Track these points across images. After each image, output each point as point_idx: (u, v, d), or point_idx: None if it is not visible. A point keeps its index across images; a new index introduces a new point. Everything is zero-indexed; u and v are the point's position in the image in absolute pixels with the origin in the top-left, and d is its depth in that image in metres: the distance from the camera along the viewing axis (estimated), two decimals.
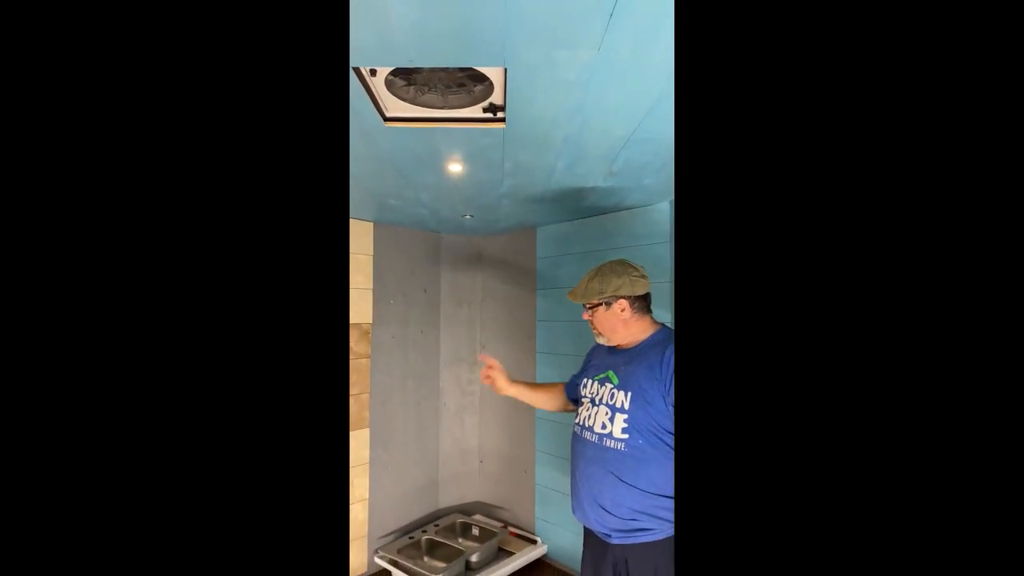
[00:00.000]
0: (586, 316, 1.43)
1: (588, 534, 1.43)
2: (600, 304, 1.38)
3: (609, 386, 1.35)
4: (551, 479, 2.47)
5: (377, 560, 2.27)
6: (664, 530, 1.24)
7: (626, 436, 1.27)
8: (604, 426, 1.32)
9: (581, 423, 1.41)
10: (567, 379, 1.68)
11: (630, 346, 1.38)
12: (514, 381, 1.62)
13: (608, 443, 1.31)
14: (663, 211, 2.02)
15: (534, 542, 2.45)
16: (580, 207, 2.11)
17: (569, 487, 2.34)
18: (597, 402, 1.37)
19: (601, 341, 1.45)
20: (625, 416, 1.28)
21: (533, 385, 1.69)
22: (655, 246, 2.01)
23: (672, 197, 1.94)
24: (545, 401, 1.66)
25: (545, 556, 2.45)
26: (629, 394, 1.29)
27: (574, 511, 1.42)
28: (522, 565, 2.33)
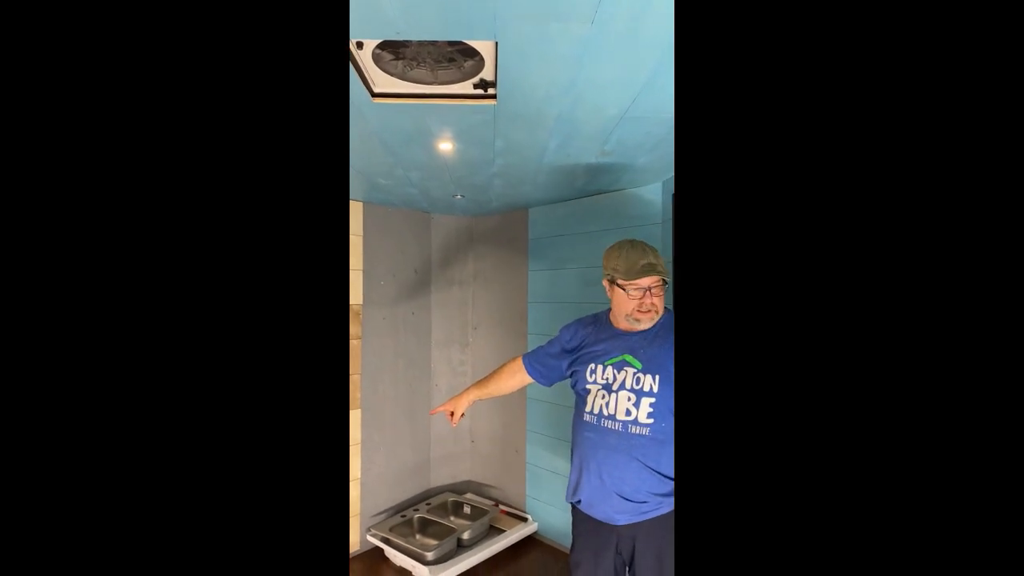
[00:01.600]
0: (657, 294, 1.30)
1: (584, 519, 1.39)
2: (665, 281, 1.32)
3: (631, 370, 1.29)
4: (542, 458, 2.50)
5: (369, 538, 2.29)
6: (668, 504, 1.27)
7: (651, 421, 1.25)
8: (629, 412, 1.28)
9: (596, 412, 1.33)
10: (524, 359, 1.56)
11: (640, 329, 1.33)
12: (463, 392, 1.58)
13: (634, 429, 1.27)
14: (655, 192, 2.01)
15: (525, 520, 2.49)
16: (572, 187, 2.09)
17: (559, 467, 2.38)
18: (615, 388, 1.30)
19: (642, 324, 1.32)
20: (652, 400, 1.26)
21: (482, 380, 1.61)
22: (647, 227, 2.00)
23: (665, 178, 1.93)
24: (503, 385, 1.58)
25: (535, 533, 2.49)
26: (657, 377, 1.26)
27: (579, 504, 1.37)
28: (513, 542, 2.36)
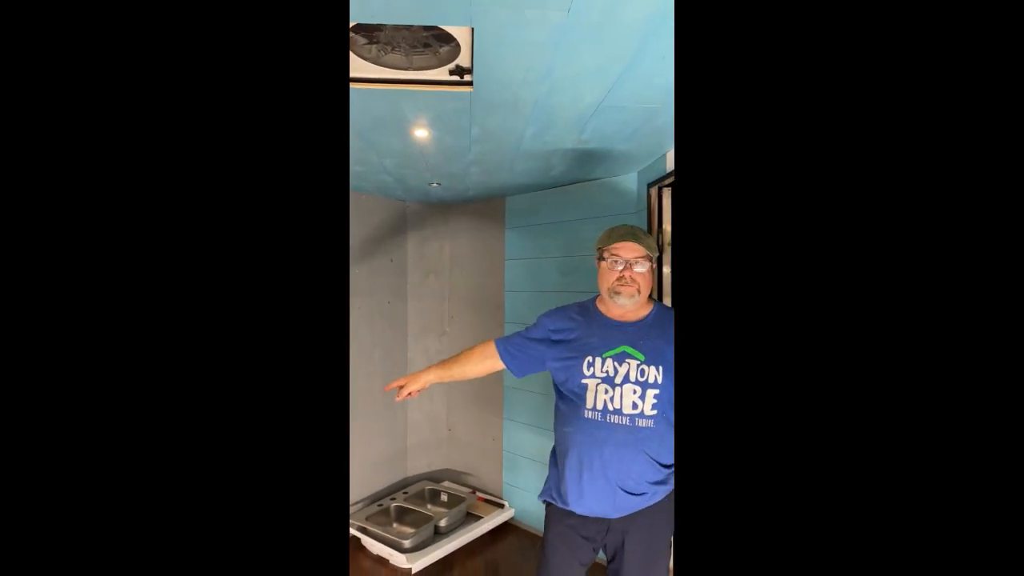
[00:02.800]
0: (639, 270, 1.26)
1: (566, 516, 1.31)
2: (651, 261, 1.30)
3: (634, 362, 1.25)
4: (518, 445, 2.52)
5: None
6: (661, 492, 1.28)
7: (655, 412, 1.24)
8: (635, 405, 1.24)
9: (599, 407, 1.26)
10: (498, 345, 1.42)
11: (635, 319, 1.31)
12: (423, 371, 1.44)
13: (641, 423, 1.24)
14: (632, 181, 2.03)
15: (501, 506, 2.51)
16: (549, 177, 2.09)
17: (536, 454, 2.40)
18: (618, 381, 1.25)
19: (622, 298, 1.27)
20: (656, 391, 1.24)
21: (447, 362, 1.46)
22: (624, 216, 2.02)
23: (641, 167, 1.94)
24: (470, 370, 1.44)
25: (512, 519, 2.52)
26: (661, 368, 1.25)
27: (571, 504, 1.28)
28: (490, 528, 2.39)
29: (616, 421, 1.25)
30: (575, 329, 1.34)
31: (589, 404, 1.27)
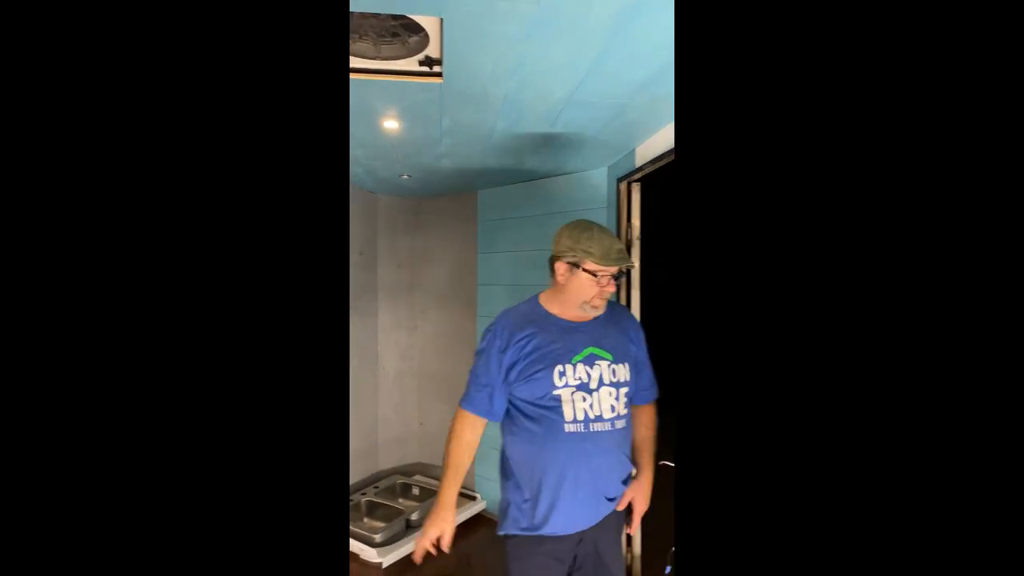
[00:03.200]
0: (611, 284, 1.19)
1: (539, 542, 1.18)
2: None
3: (604, 363, 1.18)
4: (489, 437, 2.51)
5: None
6: (622, 488, 1.25)
7: (626, 411, 1.21)
8: (613, 408, 1.18)
9: (580, 418, 1.15)
10: (478, 410, 1.24)
11: (590, 318, 1.22)
12: (440, 503, 1.23)
13: (619, 424, 1.19)
14: (601, 176, 2.05)
15: (473, 498, 2.53)
16: (521, 171, 2.10)
17: None
18: (594, 386, 1.17)
19: (598, 310, 1.21)
20: (627, 390, 1.20)
21: (452, 467, 1.26)
22: (593, 211, 2.04)
23: (611, 162, 1.97)
24: (471, 452, 1.29)
25: (484, 511, 2.54)
26: (627, 365, 1.21)
27: (549, 526, 1.16)
28: (462, 520, 2.40)
29: (599, 428, 1.17)
30: (531, 340, 1.19)
31: (569, 416, 1.15)
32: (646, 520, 1.31)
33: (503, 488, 1.27)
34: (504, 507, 1.25)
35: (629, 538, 1.88)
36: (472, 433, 1.25)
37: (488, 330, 1.24)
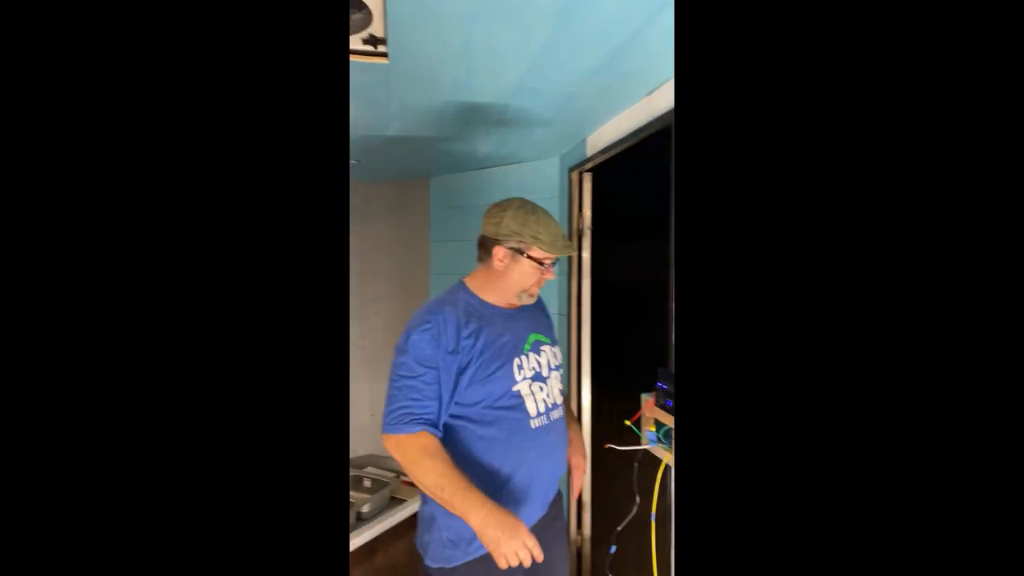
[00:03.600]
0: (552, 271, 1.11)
1: (490, 560, 0.93)
2: None
3: (547, 348, 1.15)
4: None
5: None
6: None
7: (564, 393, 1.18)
8: (562, 392, 1.16)
9: (542, 410, 1.08)
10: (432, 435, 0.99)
11: (518, 305, 1.15)
12: (494, 521, 0.91)
13: (564, 409, 1.17)
14: (553, 165, 2.06)
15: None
16: (473, 158, 2.07)
17: None
18: (545, 374, 1.11)
19: (528, 299, 1.13)
20: (561, 371, 1.19)
21: (457, 489, 0.94)
22: (546, 200, 2.05)
23: (563, 151, 1.98)
24: (448, 460, 0.98)
25: None
26: (558, 345, 1.21)
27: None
28: (414, 511, 2.38)
29: (556, 416, 1.12)
30: (478, 336, 1.04)
31: (533, 411, 1.06)
32: (595, 502, 1.34)
33: (437, 515, 1.05)
34: (435, 537, 1.05)
35: (580, 520, 1.93)
36: (437, 449, 0.98)
37: (419, 327, 1.02)
